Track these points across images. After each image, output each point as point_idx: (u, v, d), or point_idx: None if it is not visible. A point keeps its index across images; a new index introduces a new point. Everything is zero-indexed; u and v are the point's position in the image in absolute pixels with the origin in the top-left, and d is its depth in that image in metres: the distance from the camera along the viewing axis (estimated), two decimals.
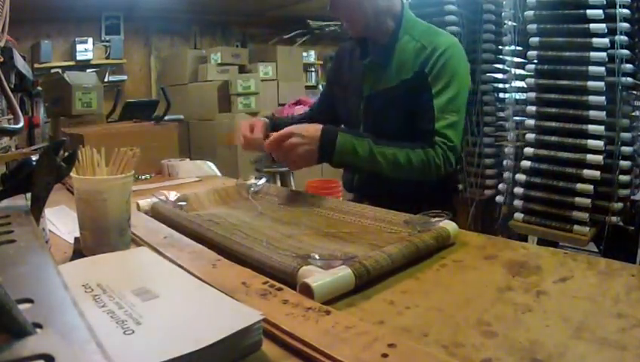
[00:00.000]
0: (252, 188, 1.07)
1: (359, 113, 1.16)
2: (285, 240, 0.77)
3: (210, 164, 1.53)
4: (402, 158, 0.99)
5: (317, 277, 0.56)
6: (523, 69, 1.80)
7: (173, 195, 0.97)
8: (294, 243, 0.76)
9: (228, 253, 0.70)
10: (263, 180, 1.10)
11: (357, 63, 1.18)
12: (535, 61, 1.73)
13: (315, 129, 0.98)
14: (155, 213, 0.93)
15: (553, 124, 1.69)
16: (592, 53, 1.57)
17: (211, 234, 0.76)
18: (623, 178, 1.61)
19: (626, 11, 1.55)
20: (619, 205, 1.62)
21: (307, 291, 0.55)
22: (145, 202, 0.96)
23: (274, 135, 0.98)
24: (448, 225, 0.75)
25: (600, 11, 1.56)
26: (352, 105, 1.19)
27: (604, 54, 1.56)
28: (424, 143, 1.02)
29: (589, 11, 1.57)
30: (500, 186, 1.95)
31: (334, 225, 0.86)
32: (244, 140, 1.10)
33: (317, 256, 0.64)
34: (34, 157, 0.56)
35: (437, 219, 0.77)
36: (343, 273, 0.58)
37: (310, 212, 0.95)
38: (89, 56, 4.18)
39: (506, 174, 1.90)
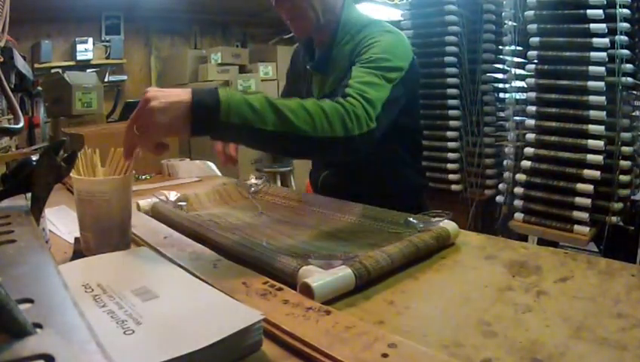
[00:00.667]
0: (252, 188, 1.07)
1: None
2: (285, 240, 0.77)
3: (210, 164, 1.53)
4: (312, 107, 0.72)
5: (317, 277, 0.56)
6: (523, 69, 1.80)
7: (173, 195, 0.97)
8: (294, 243, 0.76)
9: (228, 252, 0.70)
10: (263, 180, 1.10)
11: (304, 68, 1.12)
12: (535, 61, 1.73)
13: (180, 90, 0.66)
14: (155, 213, 0.93)
15: (553, 124, 1.69)
16: (592, 53, 1.57)
17: (212, 235, 0.76)
18: (623, 178, 1.61)
19: (626, 11, 1.55)
20: (619, 205, 1.62)
21: (307, 291, 0.55)
22: (145, 202, 0.96)
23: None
24: (448, 225, 0.75)
25: (600, 11, 1.56)
26: None
27: (604, 54, 1.56)
28: (333, 97, 0.81)
29: (589, 11, 1.57)
30: (500, 186, 1.95)
31: (334, 225, 0.85)
32: (220, 155, 0.96)
33: (317, 256, 0.64)
34: (34, 157, 0.56)
35: (437, 219, 0.77)
36: (344, 273, 0.58)
37: (310, 212, 0.95)
38: (89, 56, 4.17)
39: (506, 174, 1.90)
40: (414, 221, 0.78)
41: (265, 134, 0.68)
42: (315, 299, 0.54)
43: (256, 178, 1.11)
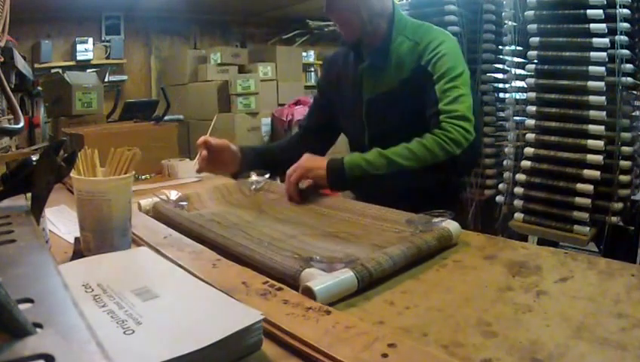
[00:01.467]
0: (253, 186, 1.07)
1: (362, 118, 1.16)
2: (287, 241, 0.77)
3: None
4: (415, 147, 0.96)
5: (319, 281, 0.56)
6: (523, 68, 1.80)
7: (174, 194, 0.97)
8: (296, 243, 0.75)
9: (229, 253, 0.70)
10: (265, 177, 1.10)
11: (352, 69, 1.17)
12: (535, 61, 1.73)
13: (320, 159, 1.01)
14: (156, 212, 0.93)
15: (553, 123, 1.69)
16: (592, 53, 1.57)
17: (213, 235, 0.76)
18: (623, 178, 1.61)
19: (626, 11, 1.55)
20: (619, 205, 1.61)
21: (309, 294, 0.55)
22: (146, 202, 0.96)
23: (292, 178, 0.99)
24: (450, 225, 0.75)
25: (600, 11, 1.56)
26: (353, 112, 1.18)
27: (604, 54, 1.56)
28: (431, 128, 1.00)
29: (589, 11, 1.57)
30: (500, 186, 1.95)
31: (336, 225, 0.85)
32: (203, 160, 1.06)
33: (319, 258, 0.63)
34: (34, 157, 0.56)
35: (439, 218, 0.77)
36: (346, 276, 0.58)
37: (312, 210, 0.95)
38: (89, 56, 4.17)
39: (506, 174, 1.90)
40: (416, 220, 0.78)
41: (380, 176, 0.96)
42: (317, 301, 0.54)
43: (257, 175, 1.11)
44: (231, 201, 1.04)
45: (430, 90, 1.02)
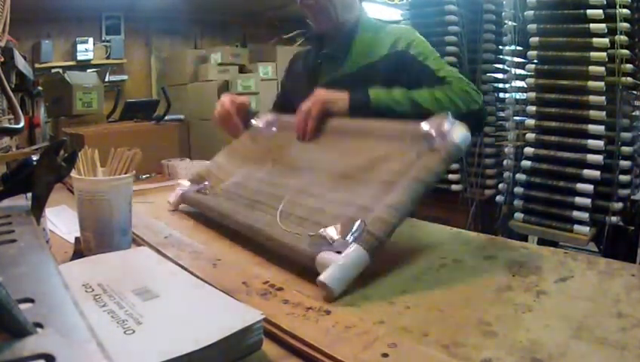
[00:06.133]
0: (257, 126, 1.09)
1: None
2: (299, 200, 0.76)
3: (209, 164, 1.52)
4: (439, 94, 0.96)
5: (331, 273, 0.56)
6: (523, 68, 1.80)
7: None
8: (311, 202, 0.75)
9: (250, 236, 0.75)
10: (268, 117, 1.10)
11: (312, 58, 1.21)
12: (535, 61, 1.73)
13: (338, 92, 0.98)
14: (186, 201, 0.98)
15: (553, 123, 1.69)
16: (592, 53, 1.57)
17: (233, 224, 0.80)
18: (623, 178, 1.61)
19: (626, 11, 1.55)
20: (619, 205, 1.61)
21: (325, 288, 0.56)
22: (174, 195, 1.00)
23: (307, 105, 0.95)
24: (456, 132, 0.68)
25: (600, 11, 1.56)
26: (306, 96, 1.12)
27: (604, 54, 1.56)
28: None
29: (589, 11, 1.57)
30: (500, 186, 1.95)
31: (344, 159, 0.82)
32: (223, 113, 1.10)
33: (330, 235, 0.63)
34: (34, 157, 0.56)
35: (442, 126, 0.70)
36: (356, 255, 0.58)
37: (318, 144, 0.92)
38: (90, 56, 4.17)
39: (506, 174, 1.90)
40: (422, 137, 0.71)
41: (400, 114, 0.92)
42: (335, 294, 0.55)
43: (257, 117, 1.12)
44: (248, 158, 1.02)
45: (418, 67, 1.04)
